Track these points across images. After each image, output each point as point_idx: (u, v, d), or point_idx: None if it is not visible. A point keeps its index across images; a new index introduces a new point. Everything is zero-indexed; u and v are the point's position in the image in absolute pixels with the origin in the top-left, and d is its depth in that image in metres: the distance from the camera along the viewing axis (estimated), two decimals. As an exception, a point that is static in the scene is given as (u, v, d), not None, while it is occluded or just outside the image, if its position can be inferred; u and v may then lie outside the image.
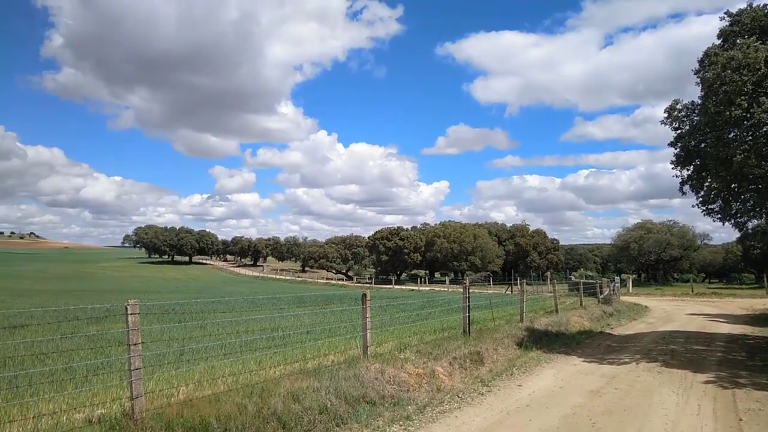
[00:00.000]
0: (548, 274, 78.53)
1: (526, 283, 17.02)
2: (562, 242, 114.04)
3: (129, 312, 5.20)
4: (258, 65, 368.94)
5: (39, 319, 18.41)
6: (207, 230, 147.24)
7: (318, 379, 7.20)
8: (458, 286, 60.83)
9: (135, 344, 5.18)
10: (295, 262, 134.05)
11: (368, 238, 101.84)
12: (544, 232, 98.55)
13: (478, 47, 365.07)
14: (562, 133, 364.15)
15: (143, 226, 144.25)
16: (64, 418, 5.74)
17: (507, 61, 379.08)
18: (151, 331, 13.14)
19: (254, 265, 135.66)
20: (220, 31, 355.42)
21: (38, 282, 70.03)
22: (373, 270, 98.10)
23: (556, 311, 17.84)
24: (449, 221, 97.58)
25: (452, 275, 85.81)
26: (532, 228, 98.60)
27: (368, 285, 74.50)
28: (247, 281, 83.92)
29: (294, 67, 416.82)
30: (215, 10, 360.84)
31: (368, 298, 8.91)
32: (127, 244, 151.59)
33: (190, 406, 5.76)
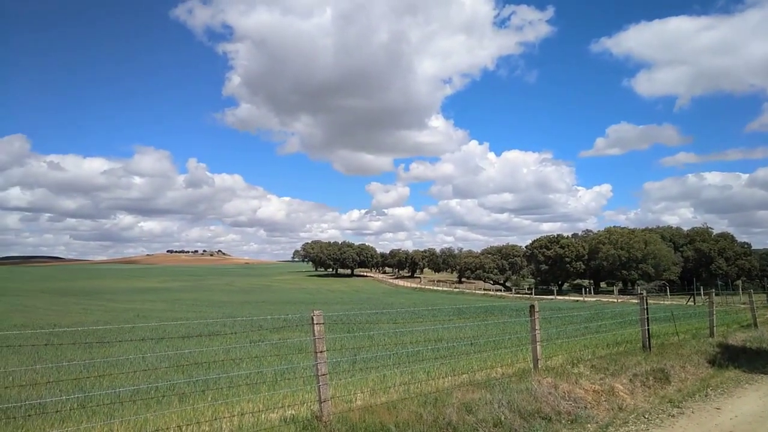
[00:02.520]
0: (739, 282, 68.92)
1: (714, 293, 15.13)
2: (755, 246, 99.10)
3: (315, 322, 5.65)
4: (408, 82, 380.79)
5: (230, 328, 20.79)
6: (366, 244, 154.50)
7: (489, 392, 7.12)
8: (629, 296, 56.02)
9: (321, 352, 5.61)
10: (452, 273, 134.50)
11: (525, 247, 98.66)
12: (732, 236, 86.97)
13: (639, 38, 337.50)
14: (747, 122, 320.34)
15: (310, 241, 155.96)
16: (263, 416, 6.39)
17: (674, 49, 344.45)
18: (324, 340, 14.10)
19: (412, 276, 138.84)
20: (372, 55, 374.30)
21: (226, 294, 79.10)
22: (532, 280, 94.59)
23: (755, 325, 15.58)
24: (614, 227, 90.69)
25: (621, 285, 79.37)
26: (715, 231, 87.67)
27: (528, 296, 71.96)
28: (406, 292, 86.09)
29: (443, 80, 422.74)
30: (367, 35, 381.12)
31: (536, 309, 8.63)
32: (296, 259, 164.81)
33: (371, 412, 6.07)
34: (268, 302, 53.16)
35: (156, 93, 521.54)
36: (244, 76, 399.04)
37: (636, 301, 11.77)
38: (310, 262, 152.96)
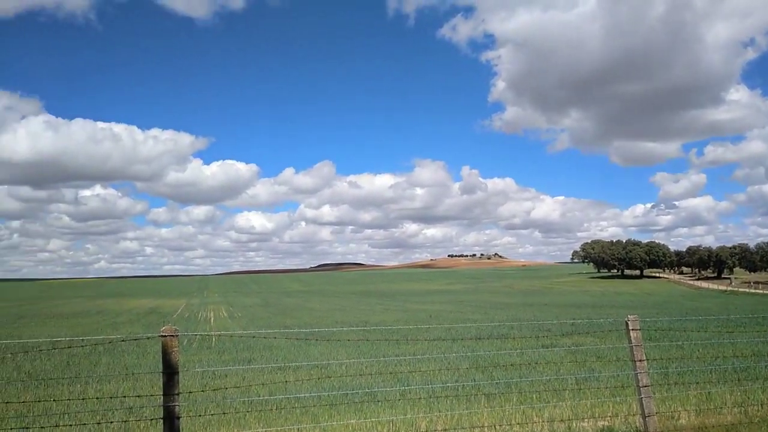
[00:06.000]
0: None
1: None
2: None
3: (630, 328, 5.23)
4: (695, 54, 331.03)
5: (518, 330, 20.92)
6: (656, 241, 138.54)
7: None
8: None
9: (640, 360, 5.16)
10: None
11: None
12: None
13: None
14: None
15: (589, 241, 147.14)
16: (574, 425, 6.18)
17: None
18: (620, 349, 13.02)
19: (718, 277, 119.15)
20: (648, 31, 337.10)
21: (507, 296, 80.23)
22: None
23: None
24: None
25: None
26: None
27: None
28: (712, 296, 74.20)
29: (742, 43, 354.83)
30: (640, 11, 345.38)
31: None
32: (575, 260, 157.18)
33: (706, 435, 5.32)
34: (551, 305, 51.97)
35: (429, 109, 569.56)
36: (508, 80, 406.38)
37: None
38: (591, 263, 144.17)
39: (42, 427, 6.33)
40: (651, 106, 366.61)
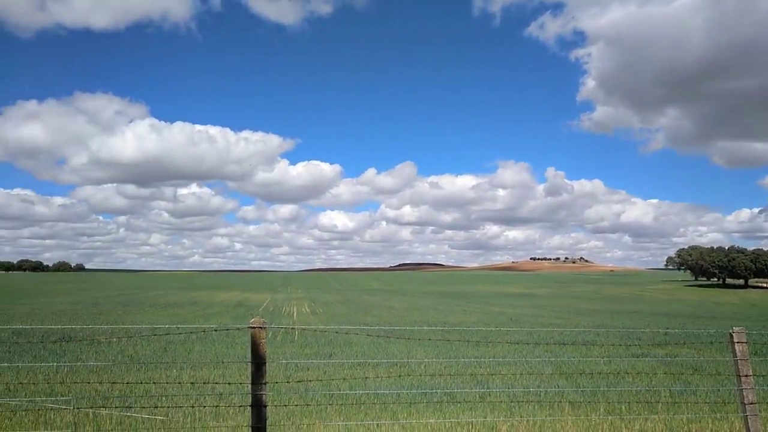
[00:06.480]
0: None
1: None
2: None
3: (735, 340, 4.84)
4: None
5: (605, 338, 19.95)
6: (763, 248, 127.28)
7: None
8: None
9: (746, 376, 4.75)
10: None
11: None
12: None
13: None
14: None
15: (686, 247, 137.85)
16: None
17: None
18: (721, 362, 12.08)
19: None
20: (759, 23, 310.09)
21: (593, 302, 76.82)
22: None
23: None
24: None
25: None
26: None
27: None
28: (830, 310, 67.05)
29: None
30: (750, 1, 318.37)
31: None
32: (670, 267, 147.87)
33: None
34: (642, 313, 49.17)
35: (514, 109, 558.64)
36: (598, 78, 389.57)
37: None
38: (688, 271, 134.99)
39: (143, 407, 6.82)
40: (761, 103, 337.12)
